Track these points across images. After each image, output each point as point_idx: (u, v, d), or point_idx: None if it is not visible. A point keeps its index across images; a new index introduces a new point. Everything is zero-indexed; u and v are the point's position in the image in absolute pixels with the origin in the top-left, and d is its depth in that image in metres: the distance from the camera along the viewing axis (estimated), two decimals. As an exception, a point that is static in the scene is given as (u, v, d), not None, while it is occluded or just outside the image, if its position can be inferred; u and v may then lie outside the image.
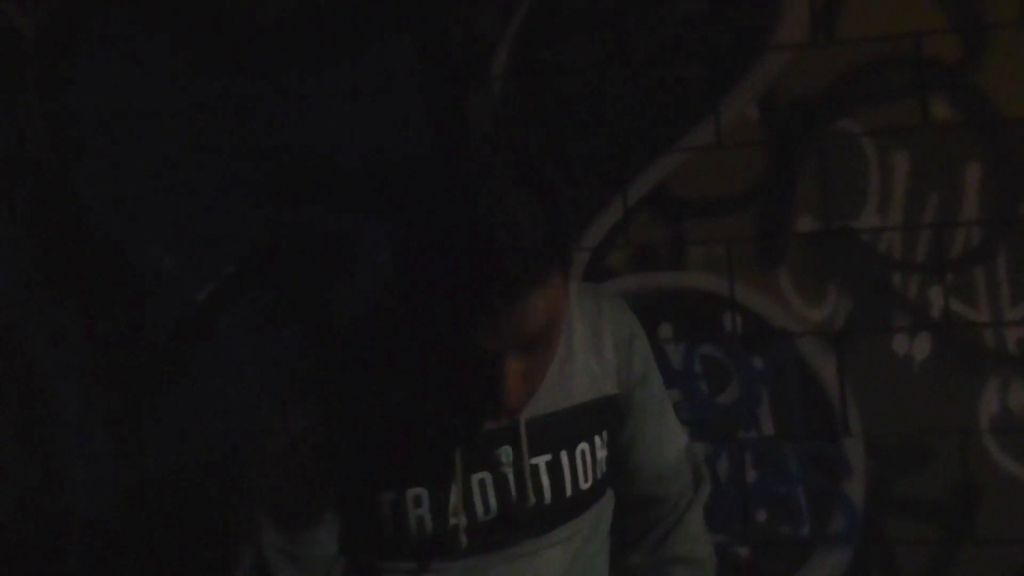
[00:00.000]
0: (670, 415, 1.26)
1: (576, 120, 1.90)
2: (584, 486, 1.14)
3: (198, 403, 2.00)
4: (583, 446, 1.14)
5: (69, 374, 2.03)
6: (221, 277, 2.01)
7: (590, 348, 1.16)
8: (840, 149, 1.82)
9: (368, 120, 1.96)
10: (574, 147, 1.90)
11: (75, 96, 2.05)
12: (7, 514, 2.03)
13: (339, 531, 1.11)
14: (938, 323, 1.79)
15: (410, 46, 1.95)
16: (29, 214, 2.05)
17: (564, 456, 1.12)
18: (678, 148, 1.87)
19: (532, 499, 1.10)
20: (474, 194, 0.92)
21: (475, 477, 1.09)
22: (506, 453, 1.10)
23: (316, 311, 1.97)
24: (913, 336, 1.80)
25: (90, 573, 2.02)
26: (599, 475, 1.17)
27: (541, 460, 1.11)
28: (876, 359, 1.81)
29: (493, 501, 1.09)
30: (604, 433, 1.17)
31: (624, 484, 1.24)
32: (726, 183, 1.86)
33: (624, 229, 1.89)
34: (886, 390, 1.80)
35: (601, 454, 1.17)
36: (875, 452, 1.81)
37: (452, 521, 1.08)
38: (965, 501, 1.77)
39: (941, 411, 1.78)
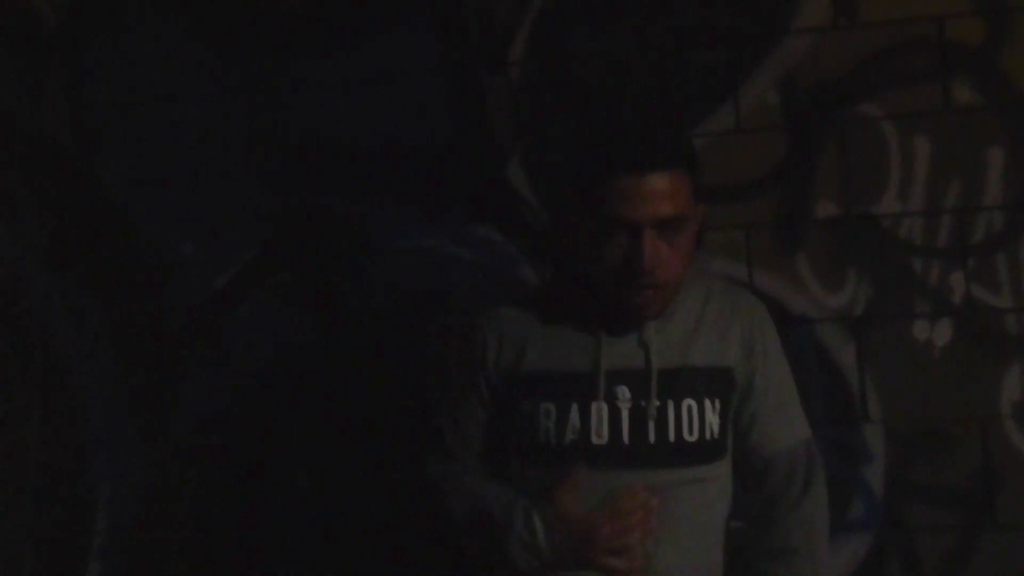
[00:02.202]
0: (792, 407, 1.42)
1: (594, 105, 1.89)
2: (689, 438, 1.33)
3: (219, 388, 2.01)
4: (689, 402, 1.33)
5: (91, 359, 2.05)
6: (240, 263, 2.02)
7: (715, 329, 1.38)
8: (861, 133, 1.81)
9: (386, 105, 1.96)
10: (591, 133, 1.89)
11: (96, 83, 2.06)
12: (31, 498, 2.05)
13: (488, 438, 1.43)
14: (959, 309, 1.77)
15: (427, 31, 1.95)
16: (51, 200, 2.07)
17: (671, 405, 1.33)
18: (697, 133, 1.86)
19: (646, 435, 1.32)
20: (619, 102, 1.45)
21: (595, 405, 1.33)
22: (622, 391, 1.33)
23: (334, 296, 1.98)
24: (934, 322, 1.79)
25: (113, 558, 2.04)
26: (708, 436, 1.34)
27: (651, 405, 1.32)
28: (896, 345, 1.80)
29: (606, 428, 1.32)
30: (717, 402, 1.35)
31: (742, 461, 1.39)
32: (745, 168, 1.85)
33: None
34: (906, 376, 1.79)
35: (711, 418, 1.34)
36: (895, 438, 1.80)
37: (570, 437, 1.32)
38: (986, 487, 1.76)
39: (962, 397, 1.77)
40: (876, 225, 1.81)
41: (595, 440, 1.32)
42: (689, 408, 1.33)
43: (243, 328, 2.01)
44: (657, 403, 1.32)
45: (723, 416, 1.36)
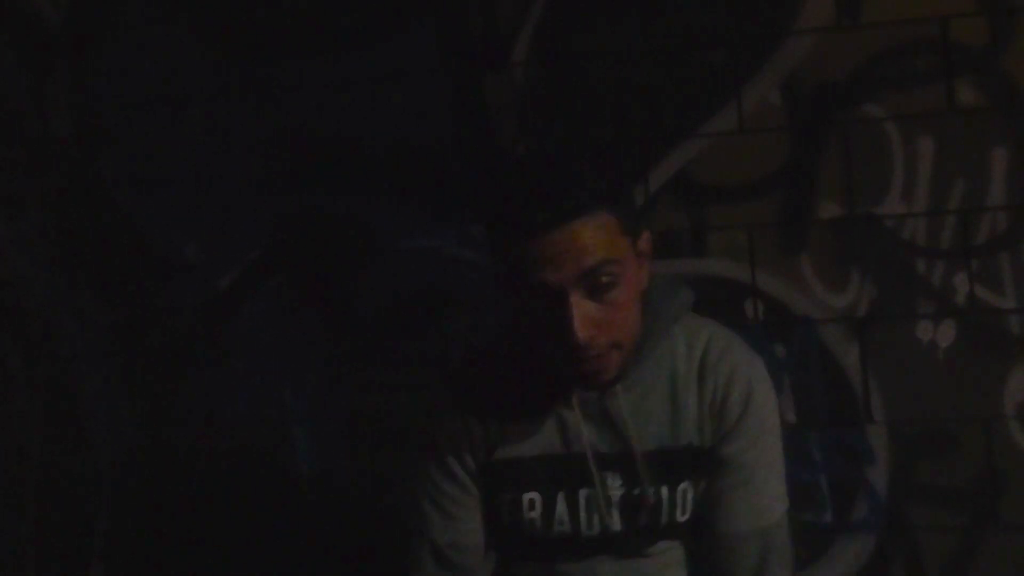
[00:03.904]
0: (759, 486, 1.24)
1: (597, 106, 1.89)
2: (681, 519, 1.24)
3: (222, 388, 2.01)
4: (684, 485, 1.23)
5: (94, 359, 2.05)
6: (244, 263, 2.02)
7: (696, 395, 1.23)
8: (864, 134, 1.81)
9: (389, 106, 1.96)
10: (595, 133, 1.90)
11: (100, 83, 2.06)
12: (34, 498, 2.05)
13: (482, 523, 1.28)
14: (963, 310, 1.77)
15: (430, 32, 1.95)
16: (55, 200, 2.07)
17: (666, 491, 1.22)
18: (700, 134, 1.86)
19: (638, 522, 1.22)
20: (523, 162, 1.20)
21: (582, 492, 1.22)
22: (613, 478, 1.21)
23: (338, 297, 1.98)
24: (938, 323, 1.78)
25: (116, 556, 2.04)
26: (694, 512, 1.25)
27: (647, 491, 1.21)
28: (900, 346, 1.80)
29: (596, 518, 1.22)
30: (703, 482, 1.24)
31: (697, 533, 1.28)
32: (748, 169, 1.85)
33: (645, 215, 1.89)
34: (910, 377, 1.79)
35: (696, 495, 1.24)
36: (898, 439, 1.80)
37: (558, 528, 1.22)
38: (989, 488, 1.76)
39: (965, 398, 1.77)
40: (879, 226, 1.80)
41: (585, 532, 1.23)
42: (683, 491, 1.23)
43: (246, 329, 2.01)
44: (652, 490, 1.21)
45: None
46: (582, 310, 1.06)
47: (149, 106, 2.04)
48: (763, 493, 1.24)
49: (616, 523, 1.22)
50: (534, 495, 1.22)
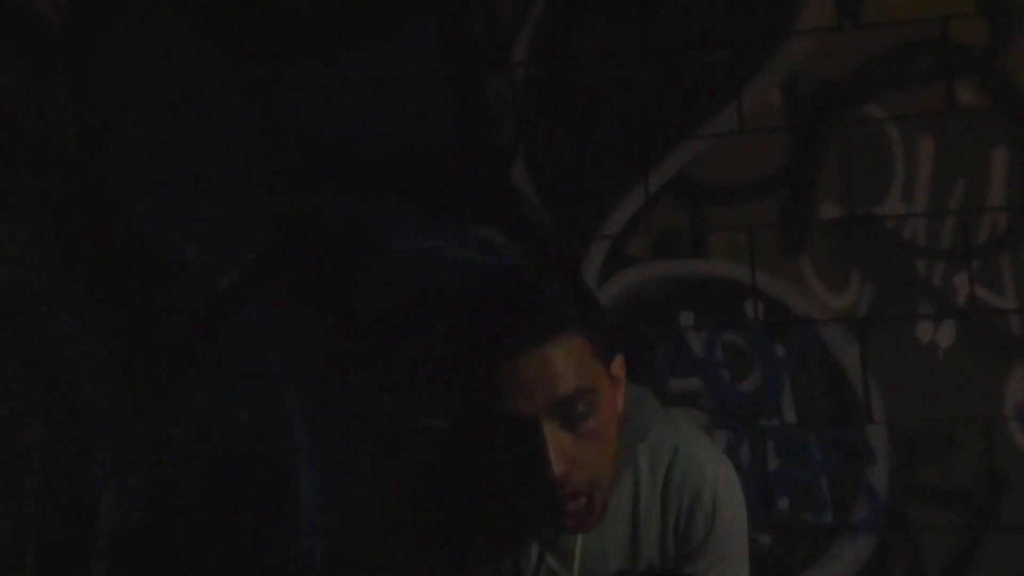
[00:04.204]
0: None
1: (598, 106, 1.89)
2: None
3: (222, 388, 2.01)
4: None
5: (94, 360, 2.05)
6: (244, 264, 2.02)
7: (658, 516, 1.16)
8: (864, 135, 1.81)
9: (389, 107, 1.96)
10: (596, 134, 1.90)
11: (100, 83, 2.06)
12: (34, 499, 2.05)
13: None
14: (963, 310, 1.77)
15: (431, 33, 1.95)
16: (55, 201, 2.07)
17: None
18: (700, 134, 1.86)
19: None
20: (491, 285, 1.05)
21: None
22: None
23: (337, 298, 1.98)
24: (938, 323, 1.79)
25: (117, 558, 2.04)
26: None
27: None
28: (900, 346, 1.80)
29: None
30: None
31: None
32: (749, 169, 1.85)
33: (646, 216, 1.89)
34: (910, 377, 1.79)
35: None
36: (899, 440, 1.80)
37: None
38: (990, 488, 1.76)
39: (966, 398, 1.77)
40: (880, 226, 1.80)
41: None
42: None
43: (246, 329, 2.01)
44: None
45: None
46: (557, 442, 0.97)
47: (149, 107, 2.04)
48: None
49: None
50: None
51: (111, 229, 2.06)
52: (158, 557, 2.02)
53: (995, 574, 1.75)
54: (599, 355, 1.02)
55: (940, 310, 1.78)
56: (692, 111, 1.86)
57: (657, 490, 1.15)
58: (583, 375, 0.98)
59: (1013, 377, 1.76)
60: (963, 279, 1.78)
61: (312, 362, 1.98)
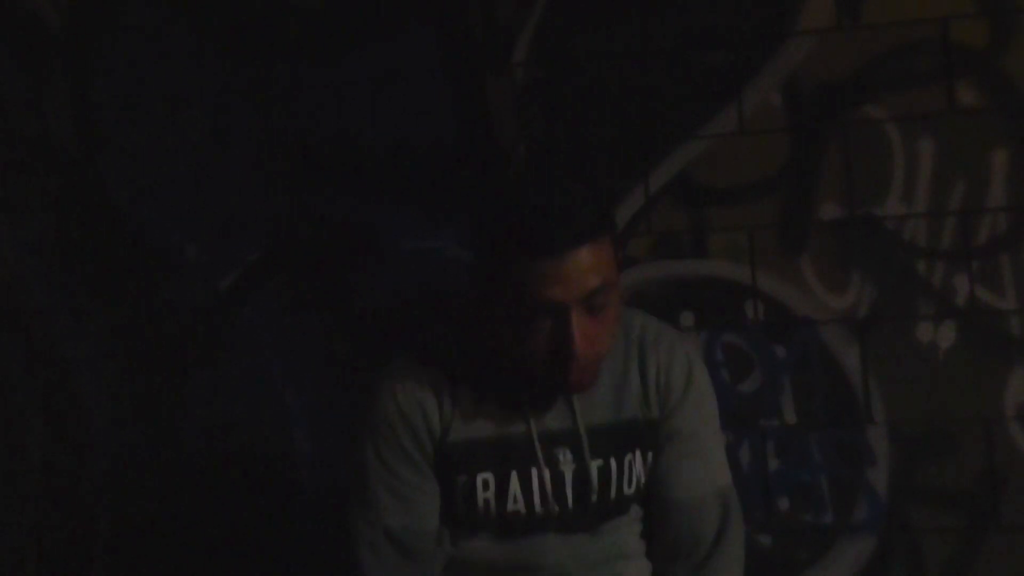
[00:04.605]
0: (705, 456, 1.32)
1: (598, 107, 1.89)
2: (628, 491, 1.29)
3: (223, 390, 2.01)
4: (630, 457, 1.28)
5: (94, 360, 2.05)
6: (244, 264, 2.02)
7: (638, 375, 1.30)
8: (864, 135, 1.81)
9: (390, 107, 1.96)
10: (596, 134, 1.90)
11: (100, 85, 2.06)
12: (33, 500, 2.05)
13: (438, 506, 1.29)
14: (963, 311, 1.77)
15: (431, 33, 1.95)
16: (54, 201, 2.07)
17: (614, 462, 1.27)
18: (700, 135, 1.86)
19: (589, 496, 1.26)
20: (530, 183, 1.25)
21: (535, 470, 1.25)
22: (564, 454, 1.26)
23: (338, 299, 1.98)
24: (938, 324, 1.79)
25: (116, 558, 2.04)
26: (642, 484, 1.30)
27: (595, 464, 1.26)
28: (900, 347, 1.80)
29: (550, 494, 1.25)
30: (650, 454, 1.30)
31: (649, 504, 1.33)
32: (749, 170, 1.85)
33: (646, 217, 1.89)
34: (910, 378, 1.79)
35: (642, 468, 1.29)
36: (899, 440, 1.80)
37: (512, 507, 1.25)
38: (990, 489, 1.76)
39: (966, 399, 1.77)
40: (880, 227, 1.81)
41: (538, 510, 1.26)
42: (630, 463, 1.28)
43: (246, 329, 2.01)
44: (600, 462, 1.26)
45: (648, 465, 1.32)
46: (582, 327, 1.13)
47: (148, 107, 2.04)
48: (714, 459, 1.33)
49: (569, 499, 1.26)
50: (488, 475, 1.25)
51: (111, 229, 2.06)
52: (158, 557, 2.02)
53: (995, 574, 1.75)
54: (616, 252, 1.19)
55: (940, 311, 1.79)
56: (692, 112, 1.86)
57: (633, 351, 1.30)
58: (607, 271, 1.15)
59: (1013, 378, 1.76)
60: (963, 280, 1.78)
61: (312, 362, 1.98)
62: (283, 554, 1.98)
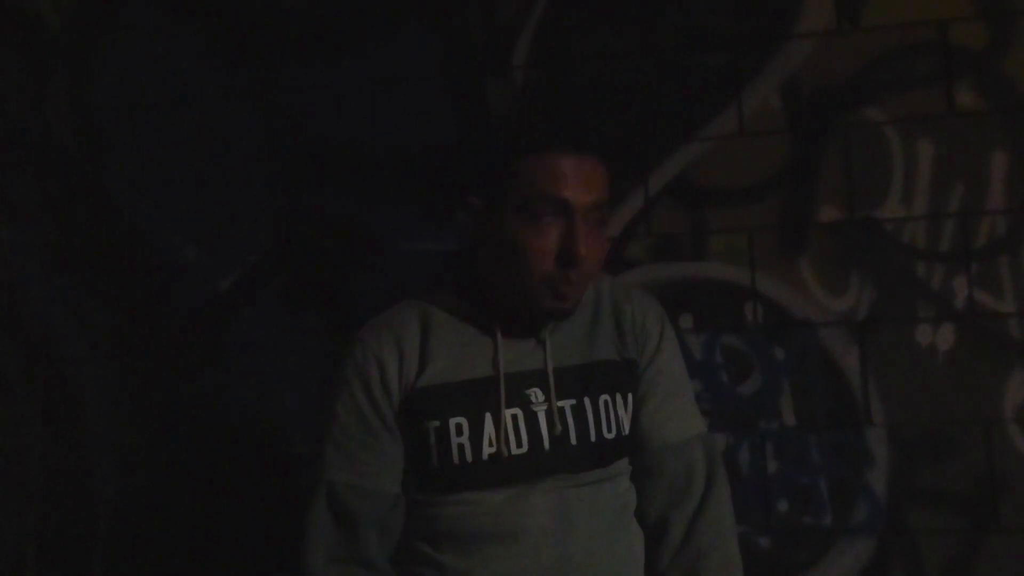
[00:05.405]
0: (684, 400, 1.35)
1: (597, 109, 1.89)
2: (608, 435, 1.27)
3: (222, 390, 2.01)
4: (605, 397, 1.28)
5: (93, 362, 2.05)
6: (244, 265, 2.02)
7: (612, 322, 1.33)
8: (864, 138, 1.81)
9: (390, 109, 1.96)
10: (596, 136, 1.90)
11: (100, 86, 2.06)
12: (34, 500, 2.05)
13: (398, 469, 1.27)
14: (962, 313, 1.77)
15: (431, 35, 1.95)
16: (55, 202, 2.07)
17: (587, 402, 1.27)
18: (700, 137, 1.86)
19: (558, 431, 1.25)
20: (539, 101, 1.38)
21: (508, 412, 1.24)
22: (535, 394, 1.25)
23: (339, 299, 1.98)
24: (937, 326, 1.79)
25: (116, 559, 2.04)
26: (624, 431, 1.30)
27: (567, 403, 1.26)
28: (899, 349, 1.80)
29: (524, 435, 1.24)
30: (629, 396, 1.30)
31: (633, 454, 1.33)
32: (748, 172, 1.85)
33: (645, 218, 1.89)
34: (909, 380, 1.79)
35: (623, 413, 1.29)
36: (898, 442, 1.80)
37: (488, 450, 1.23)
38: (989, 491, 1.76)
39: (965, 401, 1.77)
40: (879, 229, 1.81)
41: (515, 451, 1.23)
42: (606, 403, 1.27)
43: (246, 331, 2.01)
44: (573, 401, 1.26)
45: (629, 410, 1.32)
46: (584, 231, 1.18)
47: (149, 109, 2.05)
48: (691, 404, 1.36)
49: (545, 440, 1.24)
50: (460, 419, 1.23)
51: (111, 230, 2.06)
52: (158, 557, 2.02)
53: (994, 577, 1.75)
54: (611, 178, 1.24)
55: (939, 313, 1.79)
56: (692, 114, 1.86)
57: (605, 301, 1.33)
58: (609, 192, 1.21)
59: (1012, 380, 1.76)
60: (962, 282, 1.78)
61: (313, 363, 1.98)
62: (282, 554, 1.98)
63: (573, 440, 1.25)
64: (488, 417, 1.23)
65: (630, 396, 1.30)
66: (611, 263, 1.89)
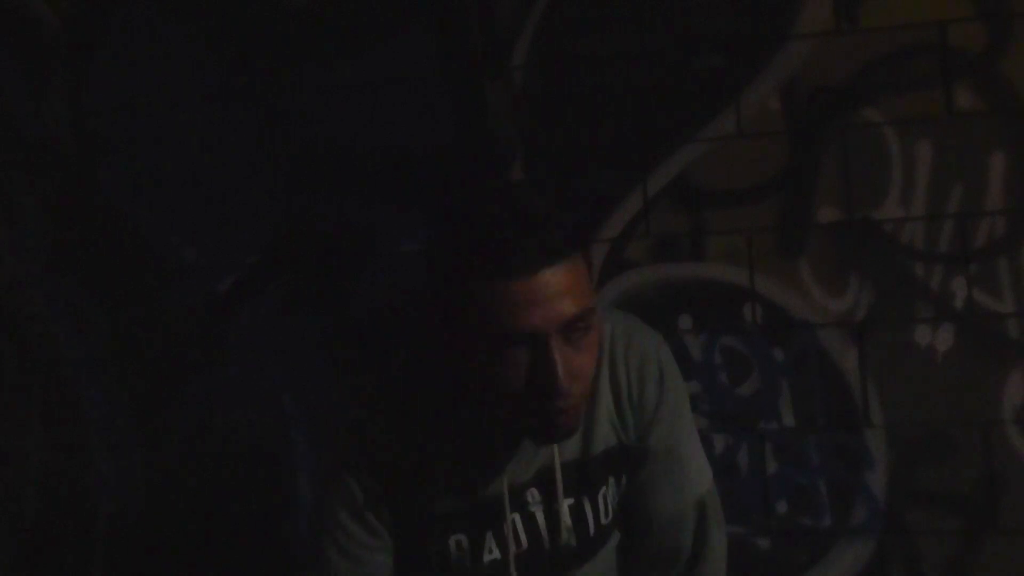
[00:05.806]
0: (681, 468, 1.24)
1: (596, 110, 1.89)
2: (605, 521, 1.22)
3: (220, 393, 2.01)
4: (603, 490, 1.21)
5: (92, 364, 2.05)
6: (242, 267, 2.02)
7: (610, 393, 1.20)
8: (862, 139, 1.81)
9: (388, 110, 1.96)
10: (594, 138, 1.90)
11: (99, 87, 2.06)
12: (32, 503, 2.05)
13: (396, 564, 1.20)
14: (961, 314, 1.78)
15: (430, 36, 1.95)
16: (53, 204, 2.07)
17: (587, 500, 1.20)
18: (699, 138, 1.86)
19: (561, 537, 1.19)
20: (493, 196, 1.07)
21: (507, 523, 1.17)
22: (532, 495, 1.18)
23: (337, 302, 1.98)
24: (936, 327, 1.79)
25: (115, 562, 2.04)
26: (616, 507, 1.24)
27: (565, 503, 1.19)
28: (898, 350, 1.80)
29: (524, 537, 1.19)
30: (623, 478, 1.23)
31: (624, 517, 1.27)
32: (747, 173, 1.85)
33: (644, 220, 1.89)
34: (908, 381, 1.79)
35: (617, 491, 1.24)
36: (897, 443, 1.80)
37: (487, 558, 1.18)
38: (988, 492, 1.76)
39: (964, 402, 1.77)
40: (878, 230, 1.81)
41: (513, 551, 1.18)
42: (604, 496, 1.21)
43: (245, 333, 2.01)
44: (571, 501, 1.19)
45: (623, 485, 1.26)
46: (563, 357, 1.00)
47: (148, 110, 2.04)
48: (690, 468, 1.25)
49: (545, 541, 1.19)
50: (460, 537, 1.17)
51: (110, 232, 2.06)
52: (157, 558, 2.02)
53: (993, 578, 1.75)
54: (589, 271, 1.05)
55: (938, 314, 1.79)
56: (690, 115, 1.86)
57: (605, 369, 1.19)
58: (585, 294, 1.02)
59: (1011, 381, 1.76)
60: (961, 283, 1.78)
61: (311, 365, 1.98)
62: (281, 556, 1.98)
63: (573, 541, 1.20)
64: (489, 534, 1.18)
65: (624, 477, 1.23)
66: (611, 264, 1.90)
